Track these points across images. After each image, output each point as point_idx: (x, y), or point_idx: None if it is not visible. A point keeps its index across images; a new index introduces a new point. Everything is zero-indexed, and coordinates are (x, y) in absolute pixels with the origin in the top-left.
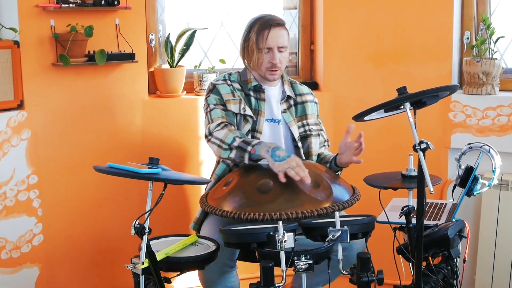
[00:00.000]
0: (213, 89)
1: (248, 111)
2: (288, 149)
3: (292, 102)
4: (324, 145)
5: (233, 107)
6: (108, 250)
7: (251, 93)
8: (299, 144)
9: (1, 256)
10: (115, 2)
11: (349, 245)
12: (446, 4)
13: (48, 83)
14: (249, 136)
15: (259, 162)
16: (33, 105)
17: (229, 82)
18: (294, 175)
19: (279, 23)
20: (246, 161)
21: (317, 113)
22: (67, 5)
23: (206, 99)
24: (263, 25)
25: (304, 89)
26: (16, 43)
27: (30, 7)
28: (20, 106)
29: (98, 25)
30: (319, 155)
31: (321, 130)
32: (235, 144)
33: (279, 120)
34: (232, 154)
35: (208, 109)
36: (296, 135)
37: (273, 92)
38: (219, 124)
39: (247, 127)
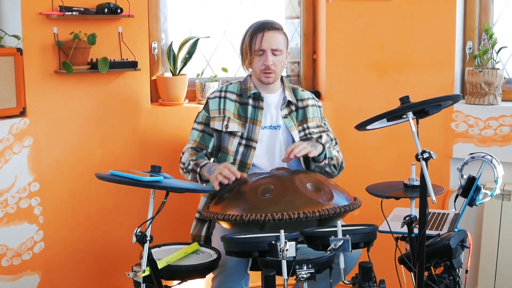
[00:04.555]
0: (206, 104)
1: (232, 128)
2: None
3: (293, 107)
4: (331, 144)
5: (216, 124)
6: (109, 258)
7: (250, 101)
8: None
9: (1, 263)
10: (118, 10)
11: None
12: (449, 14)
13: (51, 91)
14: (243, 146)
15: (261, 170)
16: (36, 112)
17: (223, 94)
18: (222, 178)
19: (274, 27)
20: (199, 182)
21: (320, 116)
22: (70, 13)
23: (199, 112)
24: (257, 28)
25: (306, 94)
26: (19, 50)
27: (33, 14)
28: (22, 113)
29: (101, 33)
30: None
31: (325, 131)
32: (190, 167)
33: (279, 126)
34: (189, 177)
35: (193, 126)
36: (297, 140)
37: (273, 99)
38: (188, 149)
39: (236, 140)
